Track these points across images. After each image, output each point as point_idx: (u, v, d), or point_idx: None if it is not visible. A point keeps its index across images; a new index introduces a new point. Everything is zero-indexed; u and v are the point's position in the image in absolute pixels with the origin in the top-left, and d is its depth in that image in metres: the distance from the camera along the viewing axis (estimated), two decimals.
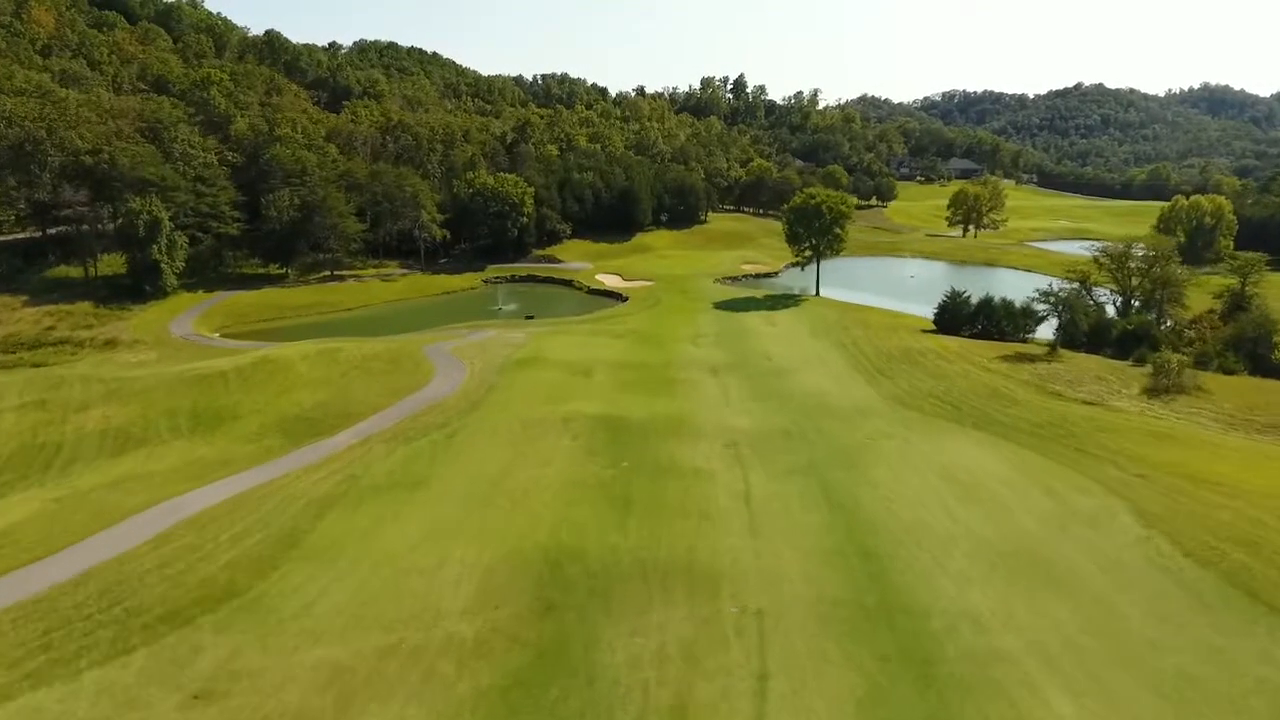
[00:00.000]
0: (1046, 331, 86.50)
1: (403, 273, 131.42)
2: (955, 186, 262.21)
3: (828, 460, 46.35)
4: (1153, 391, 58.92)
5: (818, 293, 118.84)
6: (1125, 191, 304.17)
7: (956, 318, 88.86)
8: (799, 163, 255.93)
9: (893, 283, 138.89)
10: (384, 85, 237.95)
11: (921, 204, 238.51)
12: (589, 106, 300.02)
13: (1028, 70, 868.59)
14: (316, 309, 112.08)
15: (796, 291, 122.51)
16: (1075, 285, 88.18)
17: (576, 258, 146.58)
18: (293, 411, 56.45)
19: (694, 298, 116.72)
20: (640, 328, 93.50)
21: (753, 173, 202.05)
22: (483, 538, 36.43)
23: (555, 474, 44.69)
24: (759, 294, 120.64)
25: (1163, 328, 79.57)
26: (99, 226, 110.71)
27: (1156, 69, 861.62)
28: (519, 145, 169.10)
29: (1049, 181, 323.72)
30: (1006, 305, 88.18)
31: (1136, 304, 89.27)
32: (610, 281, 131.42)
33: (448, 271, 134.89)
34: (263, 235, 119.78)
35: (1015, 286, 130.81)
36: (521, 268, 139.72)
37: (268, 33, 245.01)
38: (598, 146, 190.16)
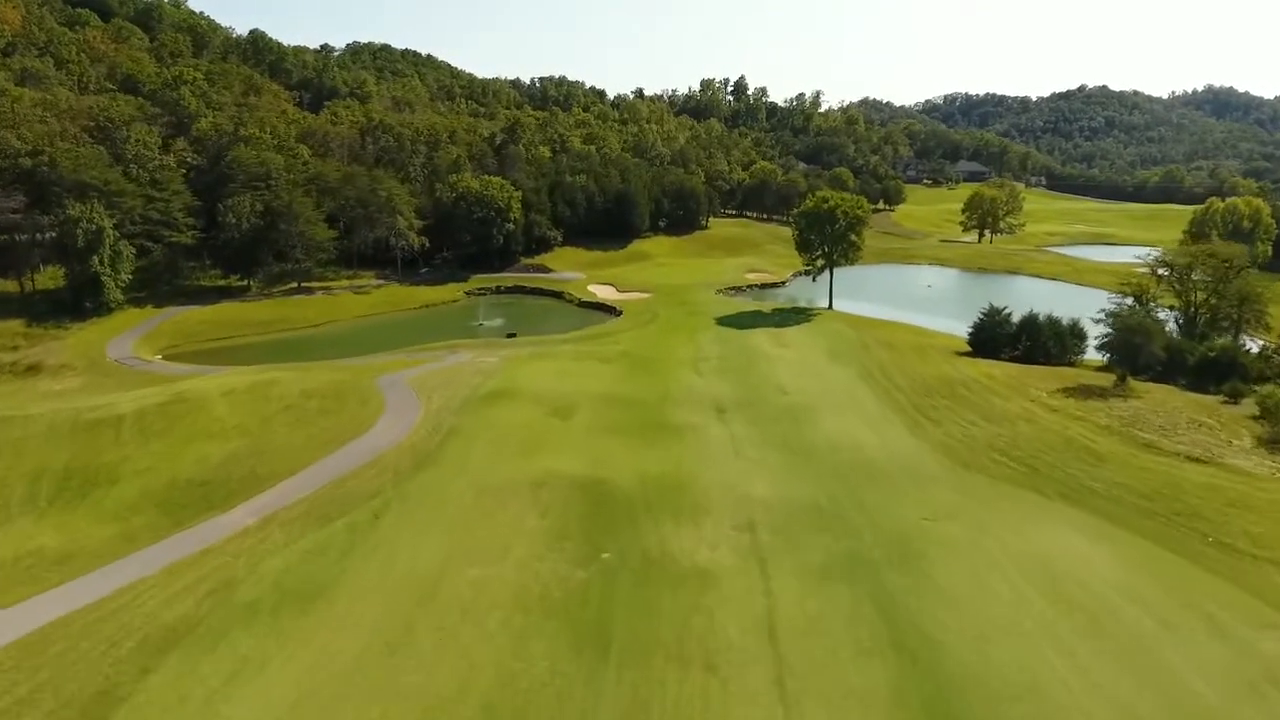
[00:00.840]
0: (1090, 350, 74.50)
1: (378, 284, 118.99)
2: (964, 189, 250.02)
3: (878, 555, 33.79)
4: (1273, 443, 46.26)
5: (830, 305, 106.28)
6: (1138, 194, 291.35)
7: (995, 338, 76.30)
8: (802, 165, 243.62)
9: (909, 293, 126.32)
10: (372, 86, 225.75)
11: (930, 208, 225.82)
12: (586, 109, 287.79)
13: (1030, 72, 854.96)
14: (278, 326, 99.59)
15: (806, 304, 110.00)
16: (1131, 302, 75.70)
17: (568, 267, 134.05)
18: (188, 473, 43.85)
19: (694, 312, 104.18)
20: (634, 349, 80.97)
21: (756, 175, 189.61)
22: (382, 709, 23.93)
23: (510, 577, 32.19)
24: (765, 307, 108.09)
25: (1248, 352, 66.83)
26: (37, 236, 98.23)
27: (1159, 71, 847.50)
28: (508, 147, 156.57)
29: (1058, 184, 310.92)
30: (1053, 324, 75.62)
31: (1201, 322, 76.61)
32: (603, 293, 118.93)
33: (428, 282, 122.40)
34: (220, 244, 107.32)
35: (1043, 297, 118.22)
36: (508, 277, 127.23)
37: (252, 32, 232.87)
38: (592, 149, 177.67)
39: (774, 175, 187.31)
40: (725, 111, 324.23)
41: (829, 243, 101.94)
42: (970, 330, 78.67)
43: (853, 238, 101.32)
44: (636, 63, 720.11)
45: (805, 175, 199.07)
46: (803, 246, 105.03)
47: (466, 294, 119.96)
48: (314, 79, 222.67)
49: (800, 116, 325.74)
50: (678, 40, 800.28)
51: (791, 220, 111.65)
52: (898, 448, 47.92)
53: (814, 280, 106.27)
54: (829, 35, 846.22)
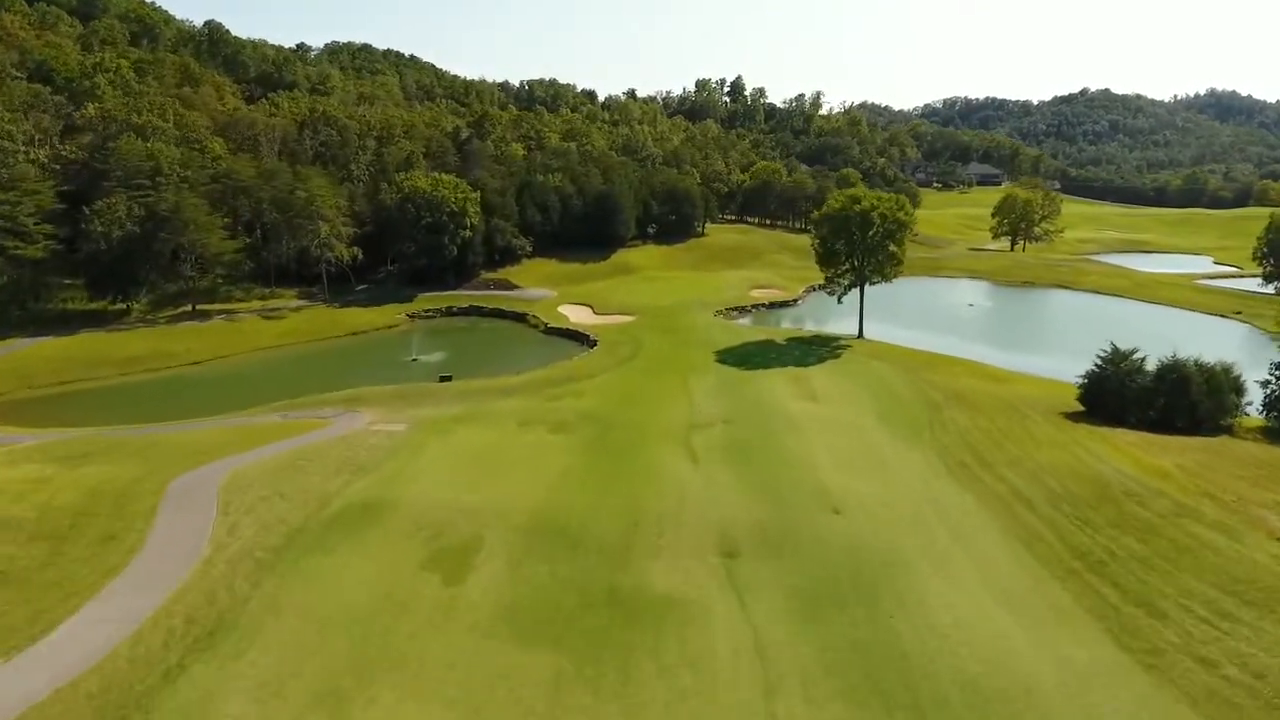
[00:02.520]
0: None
1: (300, 305, 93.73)
2: (978, 193, 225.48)
3: None
4: None
5: (861, 334, 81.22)
6: (1159, 198, 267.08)
7: (1123, 394, 51.08)
8: (805, 167, 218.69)
9: (950, 315, 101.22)
10: (337, 81, 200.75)
11: (944, 212, 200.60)
12: (575, 110, 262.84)
13: (1030, 76, 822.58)
14: (148, 363, 74.22)
15: (829, 330, 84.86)
16: None
17: (537, 282, 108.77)
18: None
19: (688, 341, 79.03)
20: (603, 406, 55.79)
21: (757, 176, 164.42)
22: None
23: None
24: (778, 335, 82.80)
25: None
26: None
27: (1161, 74, 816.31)
28: (472, 142, 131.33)
29: (1073, 188, 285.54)
30: (1205, 372, 50.51)
31: None
32: (577, 316, 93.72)
33: (362, 303, 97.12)
34: (85, 259, 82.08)
35: (1117, 320, 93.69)
36: (463, 296, 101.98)
37: (208, 24, 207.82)
38: (572, 145, 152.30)
39: (778, 175, 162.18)
40: (722, 113, 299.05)
41: (860, 254, 76.87)
42: (1083, 381, 53.38)
43: (891, 248, 76.25)
44: (631, 70, 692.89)
45: (813, 175, 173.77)
46: (826, 259, 79.94)
47: (409, 317, 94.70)
48: (273, 74, 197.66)
49: (800, 118, 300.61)
50: (672, 45, 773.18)
51: (811, 226, 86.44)
52: (1103, 698, 22.37)
53: (839, 301, 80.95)
54: (825, 39, 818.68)
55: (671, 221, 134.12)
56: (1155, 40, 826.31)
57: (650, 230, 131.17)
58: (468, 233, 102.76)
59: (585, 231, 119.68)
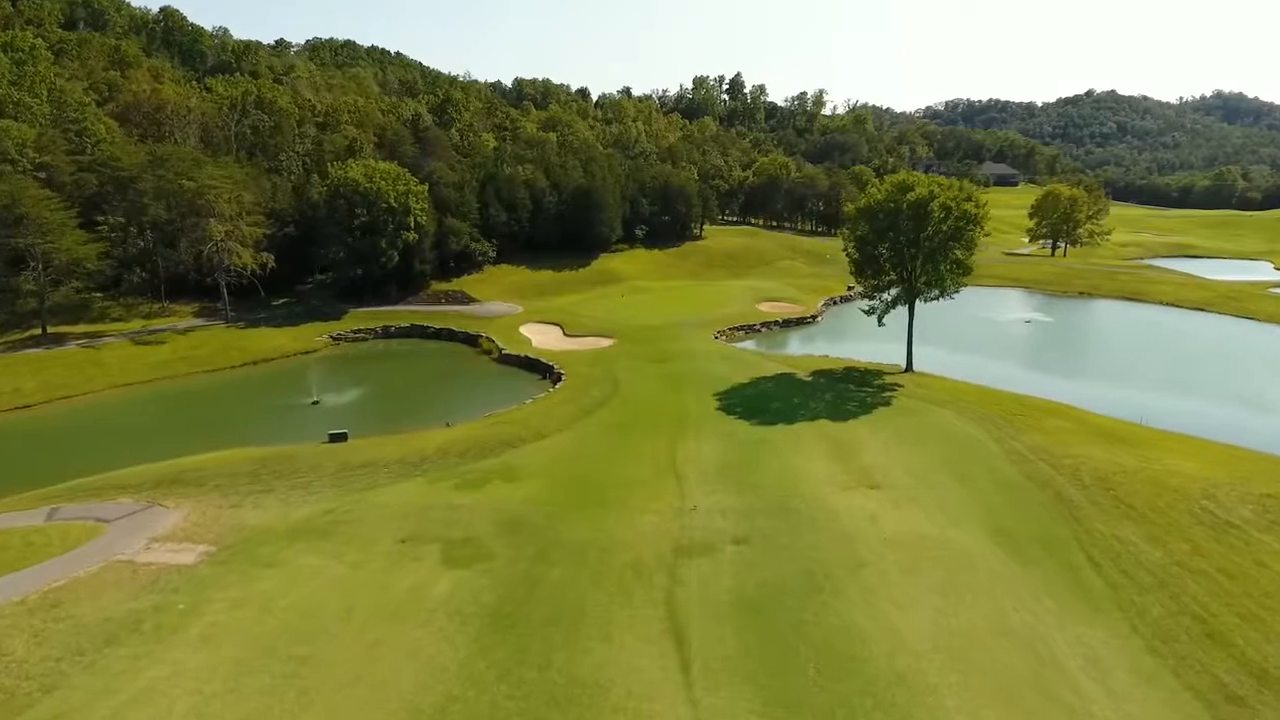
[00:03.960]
0: None
1: (194, 326, 72.74)
2: (997, 193, 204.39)
3: None
4: None
5: (910, 365, 60.06)
6: (1185, 199, 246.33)
7: None
8: (810, 166, 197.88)
9: (1004, 334, 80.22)
10: (302, 72, 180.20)
11: None
12: (564, 106, 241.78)
13: (1033, 77, 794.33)
14: None
15: (863, 358, 63.69)
16: None
17: (499, 295, 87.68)
18: None
19: (680, 378, 57.93)
20: (541, 503, 34.81)
21: (763, 172, 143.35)
22: None
23: None
24: (800, 366, 61.50)
25: None
26: None
27: (1167, 76, 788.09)
28: (428, 130, 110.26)
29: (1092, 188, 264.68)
30: None
31: None
32: (542, 339, 72.61)
33: (278, 322, 76.06)
34: None
35: (1237, 344, 73.11)
36: (406, 312, 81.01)
37: (164, 9, 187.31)
38: (552, 135, 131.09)
39: (786, 171, 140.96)
40: (720, 111, 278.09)
41: (916, 259, 55.68)
42: None
43: (957, 252, 54.95)
44: (626, 70, 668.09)
45: (825, 171, 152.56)
46: (864, 266, 58.72)
47: (332, 340, 73.61)
48: (230, 63, 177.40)
49: (803, 116, 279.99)
50: (668, 46, 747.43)
51: (845, 225, 65.18)
52: None
53: (880, 322, 59.59)
54: (824, 40, 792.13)
55: (664, 222, 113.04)
56: (1160, 41, 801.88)
57: (639, 232, 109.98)
58: (411, 234, 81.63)
59: (561, 233, 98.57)
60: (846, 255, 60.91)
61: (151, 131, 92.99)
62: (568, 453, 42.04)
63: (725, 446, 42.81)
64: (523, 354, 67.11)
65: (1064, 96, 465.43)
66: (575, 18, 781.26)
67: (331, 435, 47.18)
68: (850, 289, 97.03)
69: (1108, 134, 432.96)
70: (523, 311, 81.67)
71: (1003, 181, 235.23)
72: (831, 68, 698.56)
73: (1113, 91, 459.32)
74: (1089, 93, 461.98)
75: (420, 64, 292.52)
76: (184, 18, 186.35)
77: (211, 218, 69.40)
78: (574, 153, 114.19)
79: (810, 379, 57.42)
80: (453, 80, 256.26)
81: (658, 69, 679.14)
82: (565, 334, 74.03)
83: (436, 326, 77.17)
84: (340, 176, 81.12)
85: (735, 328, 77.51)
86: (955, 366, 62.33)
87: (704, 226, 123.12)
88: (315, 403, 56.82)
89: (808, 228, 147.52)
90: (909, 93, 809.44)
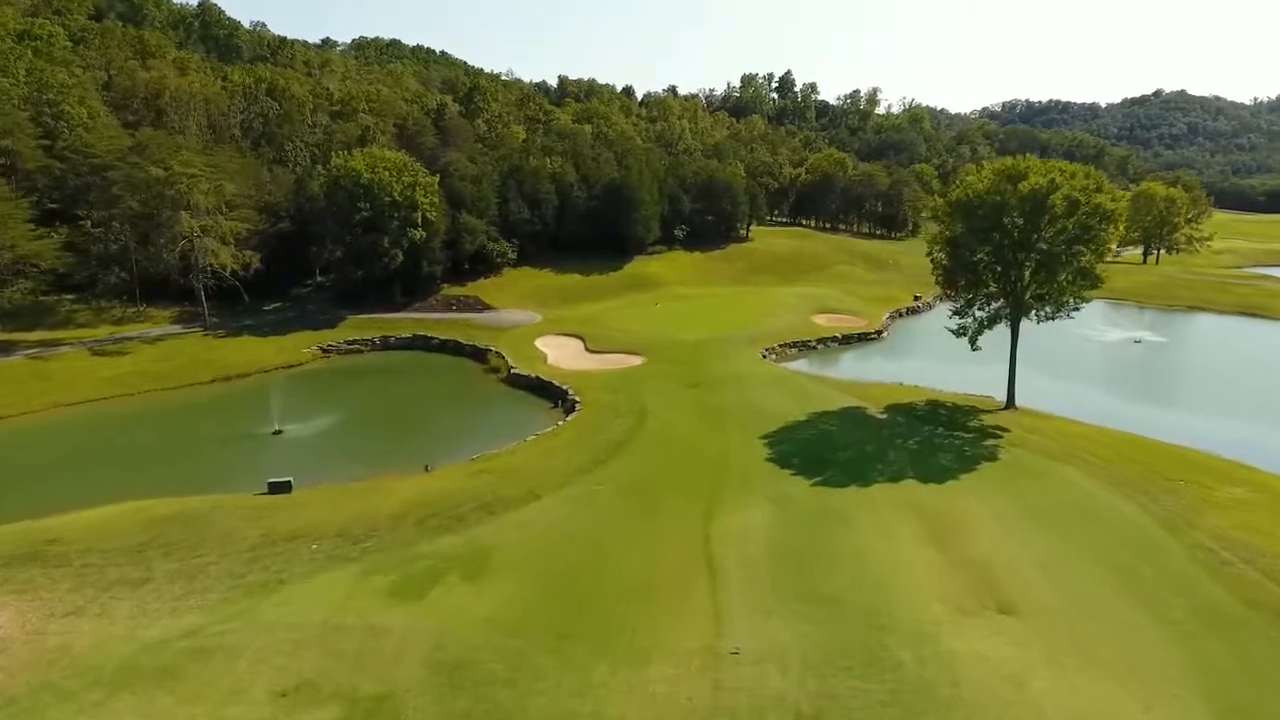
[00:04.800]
0: None
1: (168, 333, 63.13)
2: None
3: None
4: None
5: (1011, 401, 46.98)
6: (1273, 203, 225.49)
7: None
8: (864, 165, 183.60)
9: (1111, 357, 66.23)
10: (338, 67, 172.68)
11: None
12: (607, 104, 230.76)
13: (1095, 78, 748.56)
14: None
15: (947, 386, 50.80)
16: None
17: (518, 301, 76.54)
18: None
19: (720, 412, 45.92)
20: (508, 628, 23.21)
21: (816, 170, 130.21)
22: None
23: None
24: (870, 397, 48.80)
25: None
26: None
27: (1238, 76, 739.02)
28: (445, 119, 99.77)
29: None
30: None
31: None
32: (559, 354, 61.13)
33: (264, 330, 65.99)
34: None
35: None
36: (408, 321, 70.38)
37: (201, 4, 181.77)
38: (587, 127, 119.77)
39: (842, 168, 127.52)
40: (770, 110, 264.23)
41: (1024, 266, 42.72)
42: None
43: (1085, 257, 41.87)
44: (673, 70, 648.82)
45: (886, 169, 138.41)
46: (956, 274, 45.98)
47: (321, 352, 63.20)
48: (267, 57, 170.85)
49: (856, 115, 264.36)
50: (715, 45, 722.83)
51: (931, 217, 52.39)
52: None
53: (973, 345, 46.62)
54: (877, 40, 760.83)
55: (708, 222, 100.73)
56: (1232, 39, 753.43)
57: (679, 233, 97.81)
58: (419, 232, 70.96)
59: (592, 232, 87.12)
60: (932, 260, 48.06)
61: (149, 119, 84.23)
62: (561, 530, 30.39)
63: (780, 520, 30.77)
64: (534, 374, 55.71)
65: (1130, 97, 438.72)
66: (622, 18, 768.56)
67: (271, 484, 36.35)
68: (918, 298, 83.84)
69: (1177, 135, 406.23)
70: (541, 321, 70.42)
71: None
72: (883, 68, 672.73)
73: (1183, 91, 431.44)
74: (1157, 93, 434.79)
75: (465, 63, 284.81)
76: (220, 11, 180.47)
77: (183, 210, 59.45)
78: (607, 144, 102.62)
79: (885, 416, 44.88)
80: (480, 72, 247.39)
81: (705, 69, 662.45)
82: (587, 349, 62.50)
83: (441, 338, 66.27)
84: (341, 166, 70.95)
85: (787, 344, 65.03)
86: (1062, 399, 49.26)
87: (751, 227, 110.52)
88: (278, 432, 46.33)
89: (865, 230, 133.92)
90: (965, 93, 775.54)
